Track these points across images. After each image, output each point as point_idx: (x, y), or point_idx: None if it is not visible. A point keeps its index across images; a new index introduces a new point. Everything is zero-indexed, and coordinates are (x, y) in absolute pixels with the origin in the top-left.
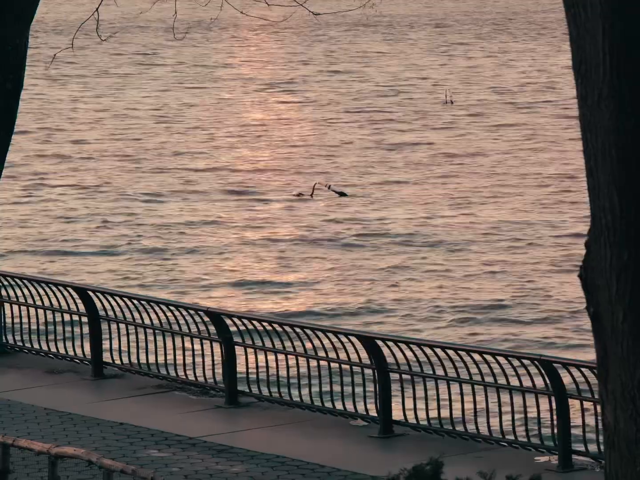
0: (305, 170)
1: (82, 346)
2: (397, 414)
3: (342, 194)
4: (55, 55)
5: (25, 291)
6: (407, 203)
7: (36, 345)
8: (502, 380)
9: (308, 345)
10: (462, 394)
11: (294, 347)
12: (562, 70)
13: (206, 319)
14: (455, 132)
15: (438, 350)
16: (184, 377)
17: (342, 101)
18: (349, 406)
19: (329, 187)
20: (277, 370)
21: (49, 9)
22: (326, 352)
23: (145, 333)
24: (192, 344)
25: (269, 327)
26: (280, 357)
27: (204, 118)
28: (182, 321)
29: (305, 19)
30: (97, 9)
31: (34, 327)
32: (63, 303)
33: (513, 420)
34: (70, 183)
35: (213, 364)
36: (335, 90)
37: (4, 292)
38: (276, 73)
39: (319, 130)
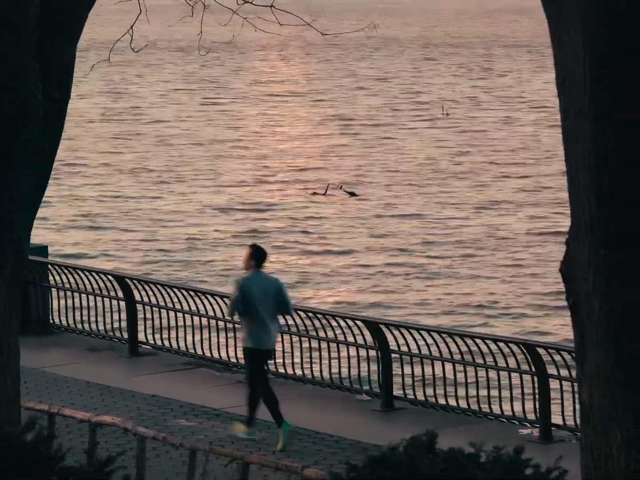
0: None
1: (119, 327)
2: (397, 390)
3: (352, 194)
4: (93, 65)
5: (70, 278)
6: (415, 203)
7: (79, 326)
8: (490, 362)
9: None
10: (455, 373)
11: (306, 330)
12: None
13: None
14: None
15: (435, 335)
16: (210, 355)
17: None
18: (355, 383)
19: (340, 187)
20: (292, 350)
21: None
22: (335, 335)
23: (176, 316)
24: (217, 326)
25: None
26: (295, 338)
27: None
28: (208, 306)
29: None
30: (131, 27)
31: (77, 310)
32: (103, 289)
33: (500, 397)
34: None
35: (235, 344)
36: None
37: (51, 279)
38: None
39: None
